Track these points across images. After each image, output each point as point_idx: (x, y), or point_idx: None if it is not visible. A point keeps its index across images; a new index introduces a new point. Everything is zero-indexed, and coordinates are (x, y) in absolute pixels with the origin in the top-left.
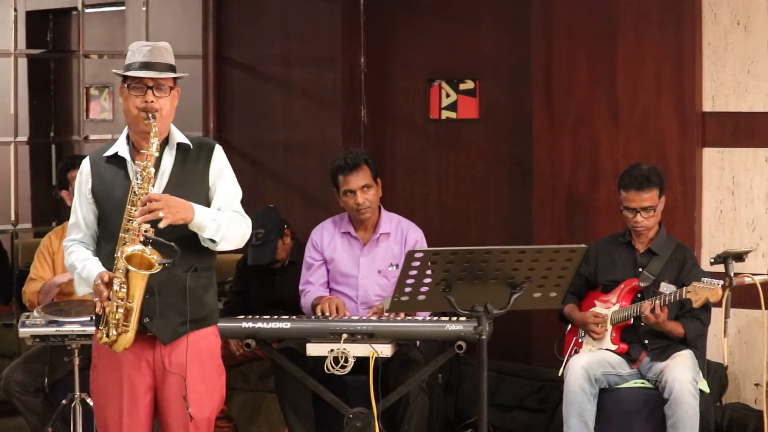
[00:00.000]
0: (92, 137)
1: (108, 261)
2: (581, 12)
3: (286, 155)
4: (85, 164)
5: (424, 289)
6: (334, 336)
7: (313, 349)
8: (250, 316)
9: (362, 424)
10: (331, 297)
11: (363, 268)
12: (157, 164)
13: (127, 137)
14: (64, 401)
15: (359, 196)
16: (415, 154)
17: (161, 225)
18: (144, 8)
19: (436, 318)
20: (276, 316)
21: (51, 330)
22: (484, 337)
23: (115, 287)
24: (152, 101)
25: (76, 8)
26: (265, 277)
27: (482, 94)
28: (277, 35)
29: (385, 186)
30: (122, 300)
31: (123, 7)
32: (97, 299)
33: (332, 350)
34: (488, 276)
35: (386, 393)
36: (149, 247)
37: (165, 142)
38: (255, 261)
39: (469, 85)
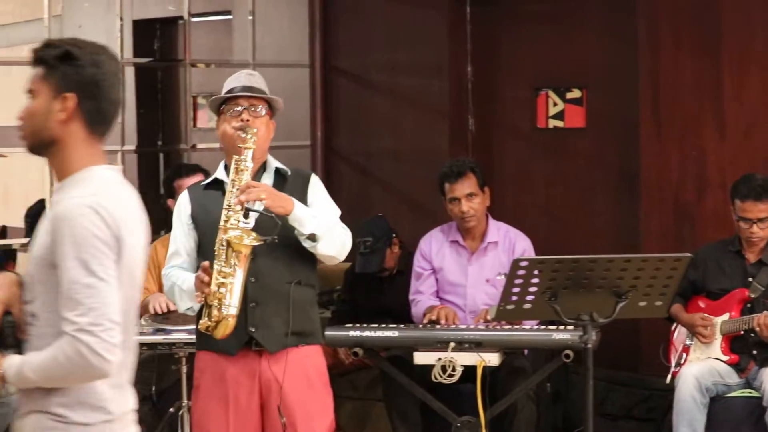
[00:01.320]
0: (200, 146)
1: None
2: (687, 20)
3: (393, 164)
4: (184, 194)
5: (529, 297)
6: (441, 345)
7: (421, 358)
8: (358, 325)
9: None
10: (444, 306)
11: (471, 277)
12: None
13: (225, 166)
14: (171, 409)
15: (464, 205)
16: (522, 162)
17: (261, 206)
18: (251, 17)
19: (543, 327)
20: (384, 325)
21: (158, 338)
22: (589, 346)
23: (216, 267)
24: (248, 119)
25: (182, 17)
26: (372, 286)
27: (589, 102)
28: (384, 44)
29: (492, 195)
30: (224, 278)
31: (230, 16)
32: (198, 293)
33: (440, 359)
34: (594, 284)
35: (494, 402)
36: (249, 220)
37: (263, 168)
38: (363, 269)
39: (576, 93)
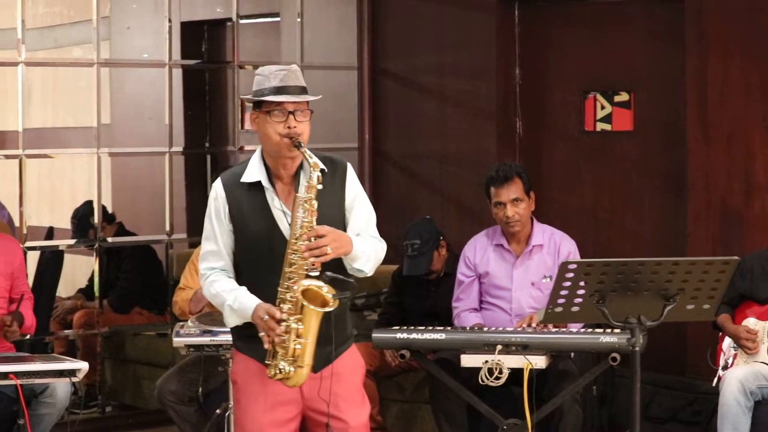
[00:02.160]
0: (247, 147)
1: (252, 291)
2: (735, 23)
3: (441, 166)
4: (219, 189)
5: (577, 300)
6: (488, 347)
7: (468, 360)
8: (405, 327)
9: None
10: None
11: (516, 280)
12: (294, 191)
13: (263, 163)
14: (218, 411)
15: (509, 209)
16: (569, 165)
17: (325, 260)
18: (299, 19)
19: (590, 330)
20: (431, 327)
21: (205, 339)
22: (637, 349)
23: (293, 325)
24: (295, 126)
25: (230, 19)
26: (420, 289)
27: (637, 106)
28: (431, 46)
29: (539, 197)
30: (300, 337)
31: (278, 18)
32: (263, 334)
33: (487, 361)
34: (641, 287)
35: (540, 404)
36: (326, 283)
37: (300, 167)
38: (410, 272)
39: (623, 97)
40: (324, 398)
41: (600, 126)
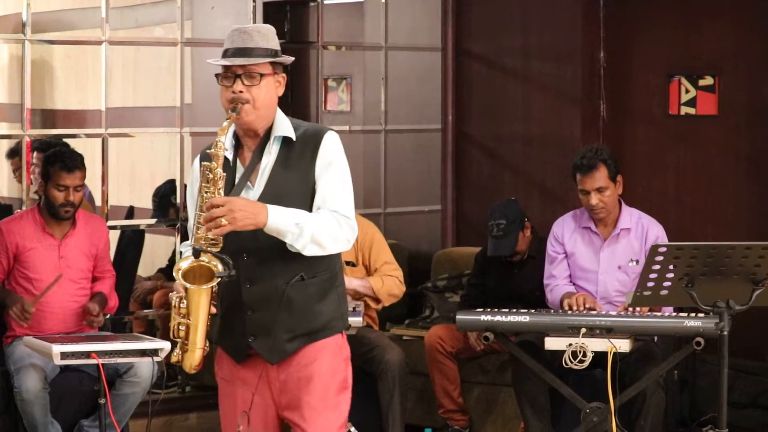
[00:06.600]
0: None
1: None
2: None
3: (524, 149)
4: (195, 163)
5: (666, 284)
6: (572, 330)
7: (552, 343)
8: (489, 309)
9: (599, 419)
10: (583, 293)
11: (603, 263)
12: (257, 160)
13: (234, 132)
14: None
15: (593, 198)
16: (653, 149)
17: (220, 232)
18: (383, 0)
19: (674, 314)
20: (515, 310)
21: None
22: (725, 333)
23: (174, 302)
24: (241, 91)
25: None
26: (503, 270)
27: (721, 90)
28: (516, 28)
29: (623, 181)
30: (183, 317)
31: None
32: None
33: (570, 344)
34: (731, 272)
35: (623, 388)
36: (208, 256)
37: (267, 136)
38: (495, 252)
39: (708, 81)
40: (285, 388)
41: (684, 110)
